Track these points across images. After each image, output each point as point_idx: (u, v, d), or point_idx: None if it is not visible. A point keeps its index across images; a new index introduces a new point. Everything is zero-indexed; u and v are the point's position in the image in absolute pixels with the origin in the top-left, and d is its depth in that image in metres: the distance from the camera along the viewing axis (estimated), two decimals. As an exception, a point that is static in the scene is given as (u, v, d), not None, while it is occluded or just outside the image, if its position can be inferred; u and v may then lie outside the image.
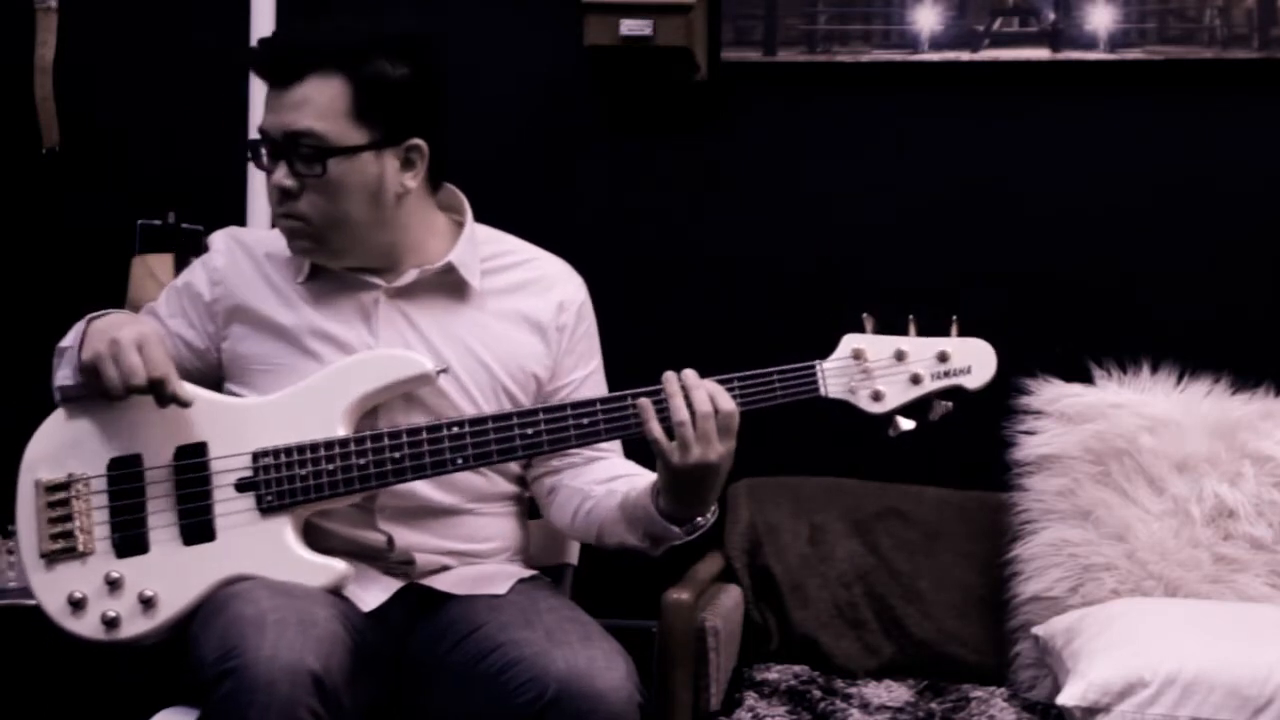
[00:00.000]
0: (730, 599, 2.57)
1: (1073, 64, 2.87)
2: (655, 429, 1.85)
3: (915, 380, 1.91)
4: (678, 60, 2.86)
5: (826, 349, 1.92)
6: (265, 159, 1.99)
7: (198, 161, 3.04)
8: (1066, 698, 2.16)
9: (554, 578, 2.21)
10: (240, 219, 2.84)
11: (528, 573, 2.11)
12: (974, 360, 1.92)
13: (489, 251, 2.12)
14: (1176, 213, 2.86)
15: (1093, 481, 2.54)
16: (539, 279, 2.13)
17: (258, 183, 2.88)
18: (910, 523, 2.73)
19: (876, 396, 1.91)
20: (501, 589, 2.02)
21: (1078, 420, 2.57)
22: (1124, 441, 2.53)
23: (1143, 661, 2.15)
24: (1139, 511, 2.51)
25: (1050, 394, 2.61)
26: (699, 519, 1.93)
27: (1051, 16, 2.86)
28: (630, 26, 2.77)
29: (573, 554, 2.29)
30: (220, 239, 2.14)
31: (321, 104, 1.95)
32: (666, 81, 2.95)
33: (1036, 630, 2.46)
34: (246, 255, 2.10)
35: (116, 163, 3.10)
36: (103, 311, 2.03)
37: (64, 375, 2.03)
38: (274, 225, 2.04)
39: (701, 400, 1.84)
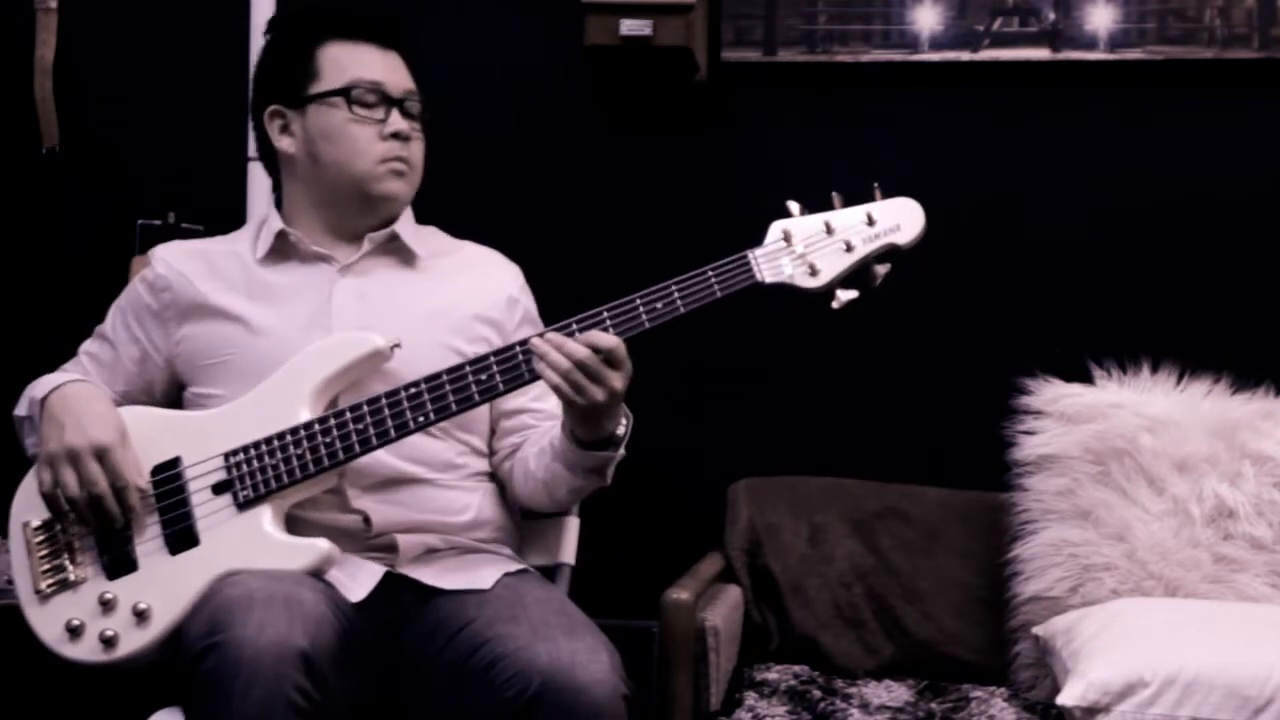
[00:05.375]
0: (730, 599, 2.57)
1: (1073, 64, 2.87)
2: (554, 376, 1.89)
3: (848, 248, 1.93)
4: (678, 60, 2.86)
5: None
6: (368, 108, 2.10)
7: (198, 161, 3.04)
8: (1066, 698, 2.16)
9: (551, 578, 2.21)
10: (240, 219, 2.84)
11: (515, 566, 2.12)
12: (901, 218, 1.96)
13: (426, 238, 2.21)
14: (1176, 212, 2.86)
15: (1093, 481, 2.53)
16: (478, 260, 2.24)
17: (258, 183, 2.89)
18: (910, 523, 2.73)
19: (813, 272, 1.93)
20: (487, 583, 2.02)
21: (1078, 420, 2.57)
22: (1124, 441, 2.53)
23: (1143, 661, 2.15)
24: (1139, 511, 2.51)
25: (1050, 394, 2.61)
26: (618, 431, 1.99)
27: (1051, 16, 2.86)
28: (630, 26, 2.78)
29: (570, 554, 2.29)
30: (160, 250, 2.19)
31: (410, 71, 2.17)
32: (666, 81, 2.95)
33: (1036, 630, 2.46)
34: (192, 258, 2.15)
35: (116, 163, 3.10)
36: (53, 386, 2.04)
37: (32, 443, 2.09)
38: (376, 168, 2.10)
39: (574, 349, 1.88)
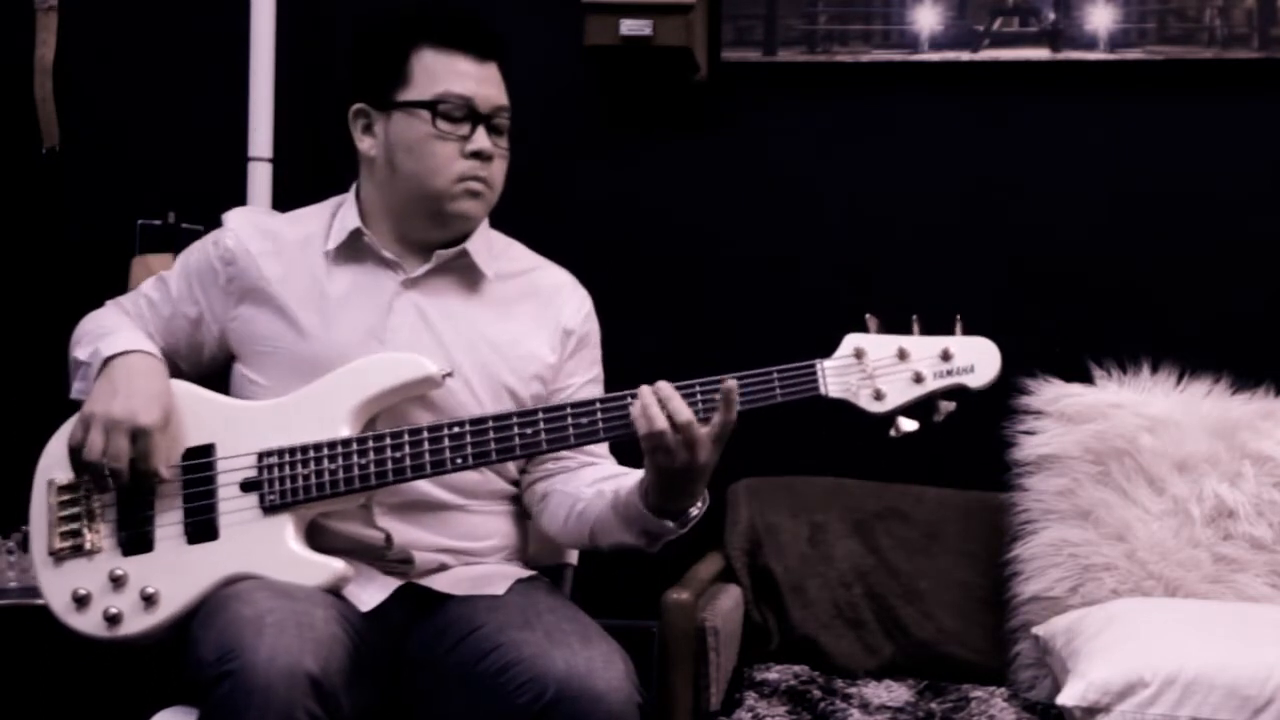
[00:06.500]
0: (730, 599, 2.57)
1: (1073, 64, 2.87)
2: (645, 427, 1.84)
3: (918, 379, 1.89)
4: (678, 60, 2.86)
5: (828, 347, 1.92)
6: (454, 123, 2.03)
7: (198, 161, 3.04)
8: (1066, 698, 2.16)
9: (554, 578, 2.22)
10: (240, 219, 2.84)
11: (526, 573, 2.11)
12: (977, 359, 1.90)
13: (500, 253, 2.16)
14: (1176, 212, 2.86)
15: (1093, 481, 2.54)
16: (547, 286, 2.17)
17: (258, 183, 2.89)
18: (910, 523, 2.73)
19: (878, 396, 1.89)
20: (500, 589, 2.02)
21: (1078, 420, 2.57)
22: (1124, 441, 2.53)
23: (1143, 661, 2.15)
24: (1139, 511, 2.51)
25: (1050, 394, 2.61)
26: (691, 510, 1.93)
27: (1051, 16, 2.86)
28: (630, 26, 2.77)
29: (572, 554, 2.29)
30: (235, 218, 2.16)
31: (504, 87, 2.09)
32: (666, 81, 2.95)
33: (1036, 630, 2.46)
34: (263, 237, 2.12)
35: (116, 163, 3.10)
36: (123, 349, 2.03)
37: (80, 389, 2.07)
38: (452, 187, 2.04)
39: (679, 410, 1.84)
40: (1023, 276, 2.88)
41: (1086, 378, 2.63)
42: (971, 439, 2.70)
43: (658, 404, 1.84)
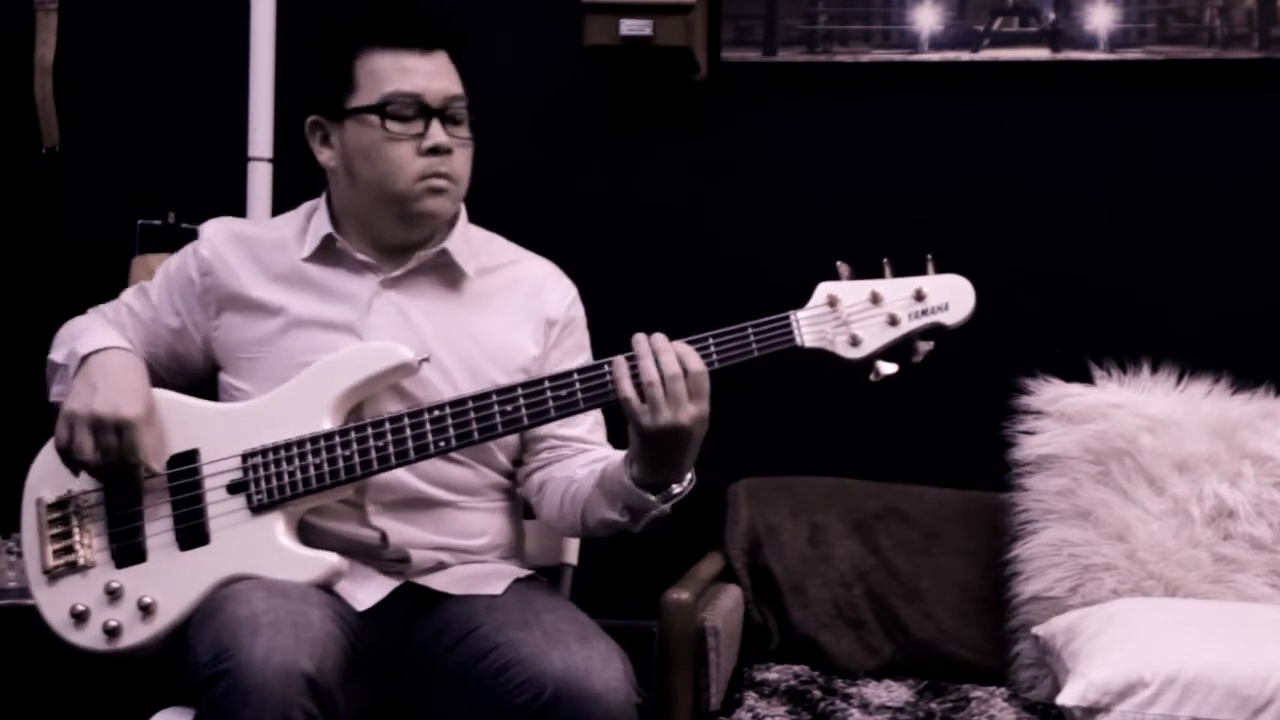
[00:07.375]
0: (730, 599, 2.57)
1: (1073, 64, 2.87)
2: (627, 388, 1.84)
3: (893, 321, 1.87)
4: (678, 60, 2.86)
5: (825, 346, 1.92)
6: (405, 122, 2.02)
7: (198, 161, 3.04)
8: (1066, 698, 2.16)
9: (553, 578, 2.22)
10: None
11: (524, 572, 2.11)
12: (951, 296, 1.88)
13: (480, 248, 2.15)
14: (1176, 212, 2.86)
15: (1093, 481, 2.54)
16: (529, 278, 2.17)
17: (258, 183, 2.89)
18: (910, 523, 2.73)
19: (854, 342, 1.87)
20: (498, 589, 2.02)
21: (1078, 420, 2.57)
22: (1124, 441, 2.53)
23: (1143, 661, 2.15)
24: (1139, 511, 2.51)
25: (1050, 394, 2.61)
26: (674, 487, 1.91)
27: (1051, 16, 2.86)
28: (630, 26, 2.77)
29: (572, 554, 2.29)
30: (210, 228, 2.15)
31: (457, 74, 2.07)
32: (666, 81, 2.95)
33: (1036, 630, 2.46)
34: (239, 244, 2.11)
35: (116, 163, 3.10)
36: (99, 346, 2.03)
37: (59, 391, 2.08)
38: (414, 187, 2.03)
39: (670, 363, 1.83)
40: (1023, 276, 2.88)
41: (1086, 378, 2.63)
42: (971, 439, 2.71)
43: (652, 356, 1.84)
